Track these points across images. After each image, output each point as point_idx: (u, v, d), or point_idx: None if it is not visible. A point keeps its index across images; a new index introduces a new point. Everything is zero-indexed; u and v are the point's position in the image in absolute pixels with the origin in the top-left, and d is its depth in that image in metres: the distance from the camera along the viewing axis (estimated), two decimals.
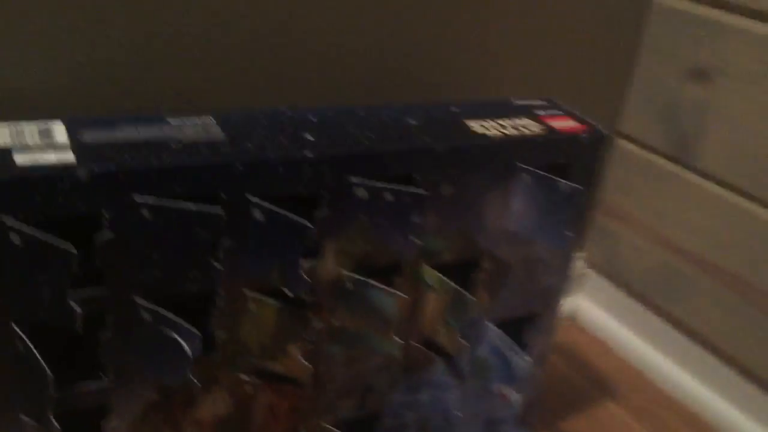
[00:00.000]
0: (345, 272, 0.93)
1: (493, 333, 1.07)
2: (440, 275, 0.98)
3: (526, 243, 1.05)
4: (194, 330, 0.79)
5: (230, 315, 0.89)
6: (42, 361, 0.74)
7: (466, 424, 1.08)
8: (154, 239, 0.79)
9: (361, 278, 0.92)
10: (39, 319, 0.76)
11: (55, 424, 0.77)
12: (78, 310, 0.74)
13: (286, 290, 0.87)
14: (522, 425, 1.19)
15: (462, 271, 1.02)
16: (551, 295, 1.14)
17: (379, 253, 0.95)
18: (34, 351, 0.74)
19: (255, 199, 0.82)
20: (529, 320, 1.14)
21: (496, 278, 1.05)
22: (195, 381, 0.83)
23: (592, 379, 1.39)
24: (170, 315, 0.80)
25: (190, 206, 0.77)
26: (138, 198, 0.76)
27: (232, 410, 0.94)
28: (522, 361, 1.08)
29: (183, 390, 0.87)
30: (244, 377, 0.93)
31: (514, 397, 1.13)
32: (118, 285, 0.80)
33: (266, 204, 0.82)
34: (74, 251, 0.71)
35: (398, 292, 0.93)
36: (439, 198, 0.95)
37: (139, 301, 0.82)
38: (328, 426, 1.01)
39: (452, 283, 0.99)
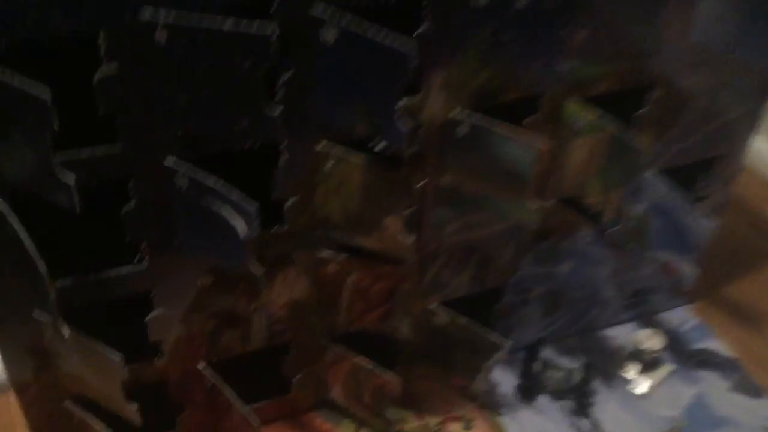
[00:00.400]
0: (458, 113, 0.65)
1: (658, 186, 0.79)
2: (593, 113, 0.70)
3: (717, 61, 0.74)
4: (248, 201, 0.55)
5: (300, 178, 0.64)
6: (30, 245, 0.53)
7: (612, 298, 0.84)
8: (178, 74, 0.53)
9: (481, 121, 0.65)
10: (27, 193, 0.54)
11: (61, 319, 0.57)
12: (68, 180, 0.51)
13: (376, 141, 0.61)
14: (677, 294, 0.94)
15: (622, 107, 0.72)
16: (738, 133, 0.83)
17: (506, 85, 0.66)
18: (21, 234, 0.53)
19: (325, 12, 0.54)
20: (704, 167, 0.84)
21: (669, 114, 0.75)
22: (257, 265, 0.61)
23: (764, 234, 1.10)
24: (213, 181, 0.56)
25: (227, 24, 0.51)
26: (149, 14, 0.50)
27: (311, 295, 0.73)
28: (692, 219, 0.80)
29: (244, 274, 0.65)
30: (326, 254, 0.70)
31: (679, 263, 0.87)
32: (135, 140, 0.57)
33: (342, 18, 0.54)
34: (47, 97, 0.47)
35: (534, 139, 0.66)
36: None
37: (169, 162, 0.58)
38: (434, 308, 0.79)
39: (610, 123, 0.70)
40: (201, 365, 0.74)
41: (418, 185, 0.65)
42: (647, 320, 0.97)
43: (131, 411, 0.63)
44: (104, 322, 0.64)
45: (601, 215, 0.77)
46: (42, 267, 0.54)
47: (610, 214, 0.77)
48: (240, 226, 0.57)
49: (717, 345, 0.94)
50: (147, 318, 0.68)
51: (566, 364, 0.89)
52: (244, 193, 0.56)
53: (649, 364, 0.89)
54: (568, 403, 0.87)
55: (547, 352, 0.89)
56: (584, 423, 0.86)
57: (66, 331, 0.57)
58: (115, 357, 0.59)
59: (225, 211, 0.57)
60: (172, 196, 0.60)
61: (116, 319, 0.66)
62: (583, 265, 0.81)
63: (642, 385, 0.89)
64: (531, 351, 0.87)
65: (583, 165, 0.73)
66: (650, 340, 0.88)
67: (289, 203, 0.66)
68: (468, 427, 0.86)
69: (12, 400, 0.72)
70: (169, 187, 0.60)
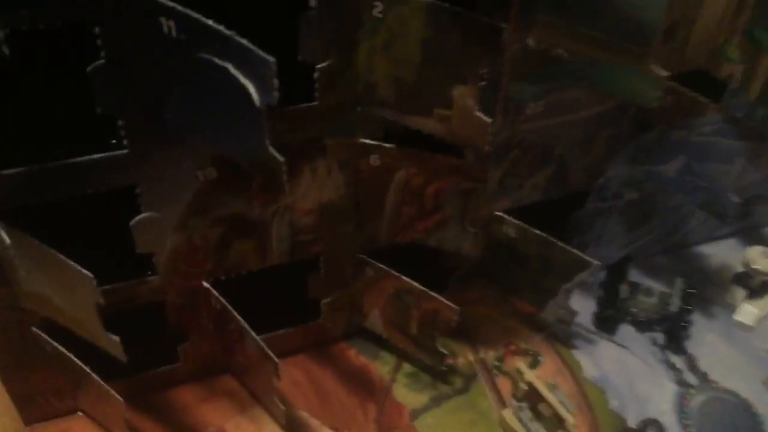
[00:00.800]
0: None
1: None
2: None
3: None
4: (263, 54, 0.38)
5: (336, 31, 0.46)
6: None
7: (720, 206, 0.66)
8: None
9: None
10: None
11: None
12: None
13: None
14: None
15: None
16: None
17: None
18: None
19: None
20: None
21: None
22: (275, 153, 0.44)
23: None
24: (213, 22, 0.39)
25: None
26: None
27: (346, 197, 0.56)
28: None
29: (259, 165, 0.48)
30: (368, 142, 0.53)
31: None
32: None
33: None
34: None
35: None
36: None
37: None
38: (500, 216, 0.63)
39: None
40: (206, 284, 0.58)
41: (498, 40, 0.46)
42: (748, 236, 0.80)
43: (112, 343, 0.47)
44: (76, 229, 0.48)
45: (736, 94, 0.59)
46: None
47: (746, 91, 0.59)
48: (253, 87, 0.39)
49: None
50: (131, 223, 0.51)
51: (657, 288, 0.73)
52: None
53: (757, 290, 0.73)
54: (657, 335, 0.71)
55: (633, 274, 0.73)
56: (676, 359, 0.70)
57: (5, 238, 0.41)
58: (84, 274, 0.43)
59: (232, 66, 0.40)
60: (156, 46, 0.42)
61: (93, 227, 0.50)
62: (697, 162, 0.63)
63: (748, 315, 0.73)
64: (614, 271, 0.71)
65: (726, 15, 0.54)
66: (763, 260, 0.71)
67: (320, 68, 0.49)
68: (535, 363, 0.70)
69: None
70: (153, 33, 0.42)
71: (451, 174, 0.55)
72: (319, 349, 0.71)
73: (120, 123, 0.46)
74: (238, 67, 0.40)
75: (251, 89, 0.39)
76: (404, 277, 0.62)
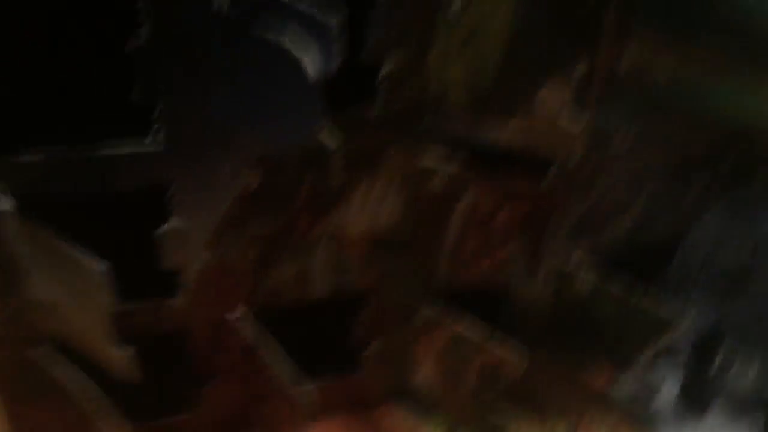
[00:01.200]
0: None
1: None
2: None
3: None
4: (323, 18, 0.33)
5: (407, 21, 0.41)
6: None
7: None
8: None
9: None
10: None
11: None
12: None
13: None
14: None
15: None
16: None
17: None
18: None
19: None
20: None
21: None
22: (329, 138, 0.37)
23: None
24: None
25: None
26: None
27: (403, 223, 0.49)
28: None
29: (310, 159, 0.42)
30: (432, 159, 0.47)
31: None
32: None
33: None
34: None
35: None
36: None
37: None
38: (576, 262, 0.55)
39: None
40: (237, 314, 0.51)
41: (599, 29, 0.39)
42: None
43: (123, 357, 0.41)
44: (95, 234, 0.42)
45: None
46: None
47: None
48: (310, 59, 0.34)
49: None
50: (158, 231, 0.45)
51: (758, 360, 0.63)
52: None
53: None
54: (758, 416, 0.61)
55: (729, 343, 0.63)
56: None
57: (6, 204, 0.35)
58: (98, 266, 0.37)
59: (287, 39, 0.34)
60: (206, 23, 0.37)
61: (115, 233, 0.44)
62: None
63: None
64: (706, 340, 0.61)
65: None
66: None
67: (386, 70, 0.43)
68: None
69: None
70: (204, 7, 0.37)
71: (525, 198, 0.48)
72: (360, 408, 0.63)
73: (157, 113, 0.41)
74: (293, 39, 0.34)
75: (308, 61, 0.34)
76: (463, 322, 0.54)
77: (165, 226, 0.45)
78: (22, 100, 0.40)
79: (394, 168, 0.48)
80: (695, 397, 0.61)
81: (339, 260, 0.51)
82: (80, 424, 0.53)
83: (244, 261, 0.49)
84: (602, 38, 0.39)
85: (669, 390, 0.63)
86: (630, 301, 0.56)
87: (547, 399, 0.63)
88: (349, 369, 0.60)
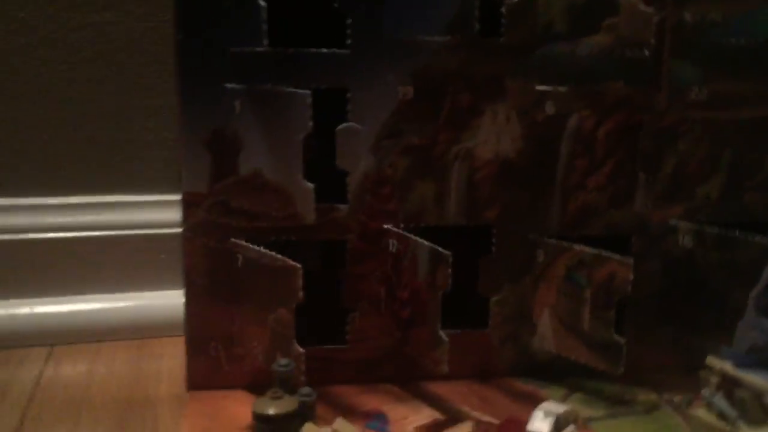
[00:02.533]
0: None
1: None
2: None
3: None
4: None
5: None
6: None
7: None
8: None
9: None
10: None
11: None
12: None
13: None
14: None
15: None
16: None
17: None
18: None
19: None
20: None
21: None
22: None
23: None
24: None
25: None
26: None
27: (523, 151, 0.63)
28: None
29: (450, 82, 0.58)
30: (544, 89, 0.62)
31: None
32: None
33: None
34: None
35: None
36: None
37: None
38: (676, 221, 0.66)
39: None
40: (389, 226, 0.64)
41: None
42: None
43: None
44: None
45: None
46: None
47: None
48: None
49: None
50: (337, 129, 0.61)
51: None
52: None
53: None
54: None
55: None
56: None
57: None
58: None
59: None
60: None
61: None
62: None
63: None
64: None
65: None
66: None
67: (510, 3, 0.60)
68: None
69: None
70: None
71: (621, 108, 0.62)
72: (485, 378, 0.69)
73: (349, 21, 0.59)
74: None
75: None
76: (576, 246, 0.64)
77: (343, 125, 0.61)
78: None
79: (514, 95, 0.63)
80: None
81: (470, 184, 0.64)
82: (252, 327, 0.64)
83: (396, 171, 0.63)
84: None
85: None
86: (730, 240, 0.64)
87: (662, 380, 0.68)
88: (476, 323, 0.69)
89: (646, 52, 0.61)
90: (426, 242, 0.62)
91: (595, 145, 0.64)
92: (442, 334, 0.62)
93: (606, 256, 0.62)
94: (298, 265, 0.58)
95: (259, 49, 0.58)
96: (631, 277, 0.61)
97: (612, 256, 0.62)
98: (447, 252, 0.60)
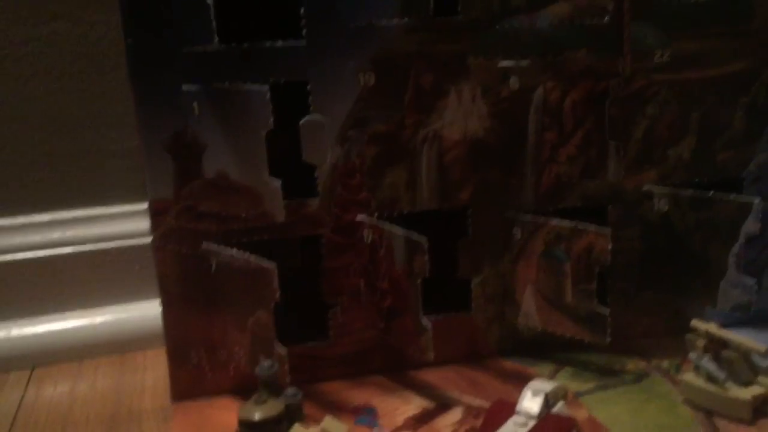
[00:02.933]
0: None
1: None
2: None
3: None
4: None
5: None
6: None
7: None
8: None
9: None
10: None
11: None
12: None
13: None
14: None
15: None
16: None
17: None
18: None
19: None
20: None
21: None
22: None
23: None
24: None
25: None
26: None
27: (490, 129, 0.63)
28: None
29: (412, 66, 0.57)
30: (507, 64, 0.62)
31: None
32: None
33: None
34: None
35: None
36: None
37: None
38: (650, 186, 0.65)
39: None
40: (361, 216, 0.63)
41: None
42: None
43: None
44: None
45: None
46: None
47: None
48: None
49: None
50: (301, 122, 0.60)
51: None
52: None
53: None
54: None
55: None
56: None
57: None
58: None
59: None
60: None
61: None
62: None
63: None
64: None
65: None
66: None
67: None
68: None
69: None
70: None
71: (585, 77, 0.61)
72: (473, 361, 0.69)
73: (302, 10, 0.58)
74: None
75: None
76: (553, 220, 0.63)
77: (306, 118, 0.60)
78: None
79: (478, 73, 0.62)
80: None
81: (441, 166, 0.64)
82: (232, 332, 0.63)
83: (364, 160, 0.62)
84: None
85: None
86: (705, 200, 0.64)
87: (650, 348, 0.68)
88: (459, 307, 0.68)
89: (607, 18, 0.61)
90: (400, 230, 0.61)
91: (563, 117, 0.63)
92: (425, 320, 0.61)
93: (582, 228, 0.62)
94: (273, 265, 0.57)
95: (211, 47, 0.57)
96: (610, 246, 0.60)
97: (588, 227, 0.61)
98: (421, 238, 0.59)
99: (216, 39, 0.57)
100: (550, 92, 0.62)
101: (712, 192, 0.65)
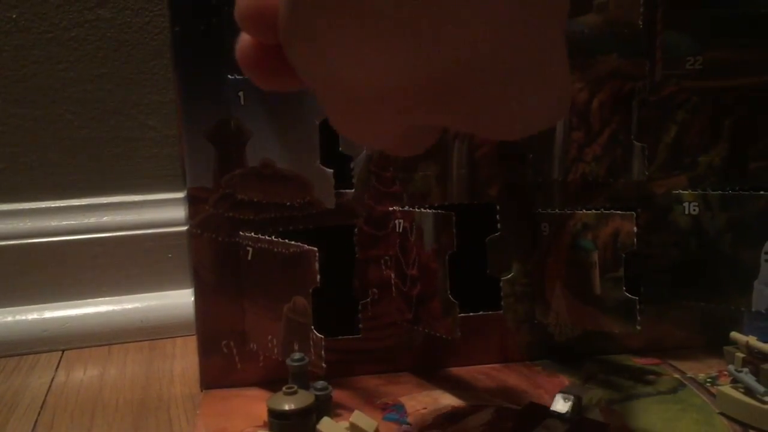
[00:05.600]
0: None
1: None
2: None
3: None
4: None
5: None
6: None
7: None
8: None
9: None
10: None
11: None
12: None
13: None
14: None
15: None
16: None
17: None
18: None
19: None
20: None
21: None
22: None
23: None
24: None
25: None
26: None
27: None
28: None
29: None
30: None
31: None
32: None
33: None
34: None
35: None
36: None
37: None
38: (679, 191, 0.65)
39: None
40: (393, 206, 0.63)
41: None
42: None
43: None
44: None
45: None
46: None
47: None
48: None
49: None
50: None
51: None
52: None
53: None
54: None
55: None
56: None
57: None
58: None
59: None
60: None
61: None
62: None
63: None
64: None
65: None
66: None
67: None
68: None
69: None
70: None
71: (611, 77, 0.61)
72: (504, 363, 0.69)
73: None
74: None
75: None
76: (579, 211, 0.63)
77: None
78: None
79: None
80: None
81: (471, 162, 0.64)
82: (265, 321, 0.63)
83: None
84: None
85: None
86: (734, 198, 0.64)
87: (683, 358, 0.67)
88: (489, 306, 0.68)
89: (640, 25, 0.60)
90: (429, 210, 0.61)
91: (590, 117, 0.63)
92: (452, 298, 0.61)
93: (608, 213, 0.62)
94: (314, 249, 0.58)
95: None
96: (635, 228, 0.60)
97: (614, 212, 0.61)
98: (450, 213, 0.59)
99: None
100: (578, 93, 0.62)
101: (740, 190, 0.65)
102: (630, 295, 0.62)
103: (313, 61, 0.28)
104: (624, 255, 0.61)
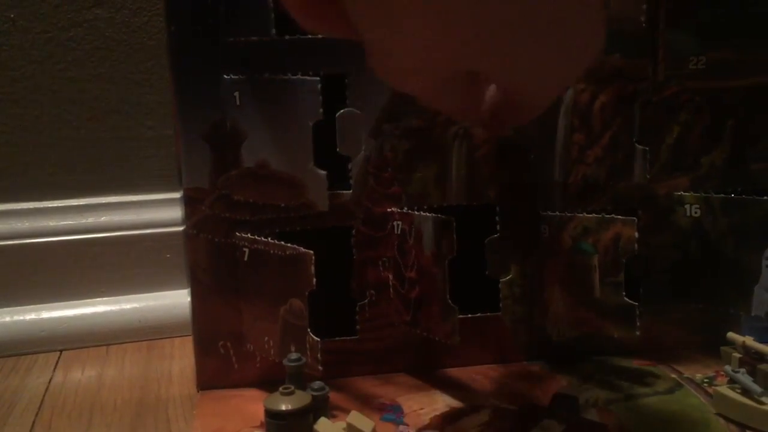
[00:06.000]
0: None
1: None
2: None
3: None
4: None
5: None
6: None
7: None
8: None
9: None
10: None
11: None
12: None
13: None
14: None
15: None
16: None
17: None
18: None
19: None
20: None
21: None
22: None
23: None
24: None
25: None
26: None
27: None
28: None
29: None
30: None
31: None
32: None
33: None
34: None
35: None
36: None
37: None
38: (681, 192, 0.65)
39: None
40: (393, 208, 0.63)
41: None
42: None
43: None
44: None
45: None
46: None
47: None
48: None
49: None
50: (337, 114, 0.60)
51: None
52: None
53: None
54: None
55: None
56: None
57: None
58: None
59: None
60: None
61: None
62: None
63: None
64: None
65: None
66: None
67: None
68: None
69: None
70: None
71: (614, 79, 0.61)
72: (501, 363, 0.69)
73: None
74: None
75: None
76: (579, 214, 0.63)
77: (342, 110, 0.61)
78: None
79: None
80: None
81: (470, 163, 0.64)
82: (262, 322, 0.63)
83: (396, 154, 0.62)
84: None
85: None
86: (736, 201, 0.64)
87: (681, 358, 0.67)
88: (487, 308, 0.68)
89: (643, 24, 0.60)
90: (429, 213, 0.61)
91: (592, 119, 0.63)
92: (451, 303, 0.61)
93: (609, 218, 0.61)
94: (310, 252, 0.58)
95: (255, 38, 0.58)
96: (636, 234, 0.60)
97: (615, 217, 0.61)
98: (449, 217, 0.59)
99: (274, 31, 0.58)
100: (580, 94, 0.62)
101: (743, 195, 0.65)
102: (630, 301, 0.62)
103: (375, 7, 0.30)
104: (624, 260, 0.61)
